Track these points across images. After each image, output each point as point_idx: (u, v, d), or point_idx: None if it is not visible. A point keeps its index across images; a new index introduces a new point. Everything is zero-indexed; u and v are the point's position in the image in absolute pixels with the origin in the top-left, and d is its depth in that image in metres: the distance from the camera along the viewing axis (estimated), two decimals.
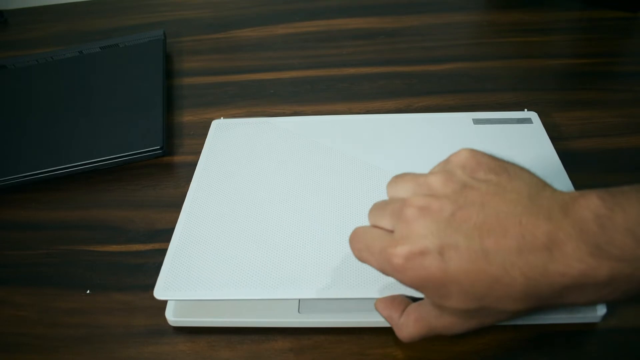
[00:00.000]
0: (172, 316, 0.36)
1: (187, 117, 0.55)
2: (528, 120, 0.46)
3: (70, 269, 0.41)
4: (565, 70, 0.58)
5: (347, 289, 0.34)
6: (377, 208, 0.30)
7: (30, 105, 0.56)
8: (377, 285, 0.33)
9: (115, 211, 0.46)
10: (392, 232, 0.28)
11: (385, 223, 0.28)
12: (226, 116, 0.54)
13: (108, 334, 0.37)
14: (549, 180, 0.27)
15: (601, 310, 0.34)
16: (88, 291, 0.40)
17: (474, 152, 0.28)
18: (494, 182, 0.26)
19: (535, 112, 0.47)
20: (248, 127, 0.48)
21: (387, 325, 0.35)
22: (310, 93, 0.57)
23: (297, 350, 0.35)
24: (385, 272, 0.27)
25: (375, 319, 0.35)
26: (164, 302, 0.37)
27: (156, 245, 0.42)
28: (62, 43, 0.70)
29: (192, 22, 0.71)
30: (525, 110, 0.48)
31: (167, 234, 0.43)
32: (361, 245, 0.29)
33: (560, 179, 0.40)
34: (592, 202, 0.23)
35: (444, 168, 0.28)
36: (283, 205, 0.40)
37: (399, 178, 0.30)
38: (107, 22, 0.74)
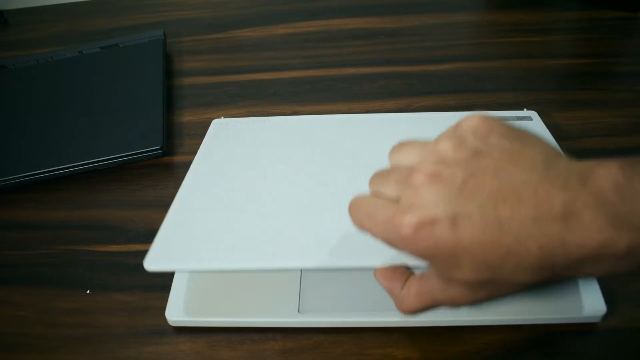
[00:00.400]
0: (172, 316, 0.36)
1: (187, 117, 0.55)
2: (528, 118, 0.46)
3: (70, 269, 0.41)
4: (565, 70, 0.58)
5: (348, 258, 0.32)
6: (379, 176, 0.28)
7: (30, 105, 0.56)
8: (379, 254, 0.31)
9: (115, 211, 0.46)
10: (395, 201, 0.26)
11: (389, 191, 0.27)
12: (226, 116, 0.54)
13: (108, 334, 0.37)
14: None
15: (601, 310, 0.34)
16: (88, 291, 0.40)
17: (486, 117, 0.26)
18: (507, 148, 0.25)
19: (536, 111, 0.47)
20: (248, 125, 0.49)
21: (387, 325, 0.35)
22: (310, 93, 0.57)
23: (297, 350, 0.35)
24: (390, 243, 0.26)
25: (375, 319, 0.35)
26: (164, 302, 0.37)
27: None
28: (62, 43, 0.70)
29: (192, 22, 0.71)
30: (525, 109, 0.48)
31: None
32: (362, 214, 0.27)
33: None
34: (611, 172, 0.22)
35: (454, 134, 0.26)
36: (282, 183, 0.40)
37: (403, 145, 0.28)
38: (107, 22, 0.74)
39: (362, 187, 0.40)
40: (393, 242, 0.26)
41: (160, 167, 0.50)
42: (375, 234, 0.27)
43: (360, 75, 0.59)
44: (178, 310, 0.36)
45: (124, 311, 0.38)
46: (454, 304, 0.27)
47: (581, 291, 0.35)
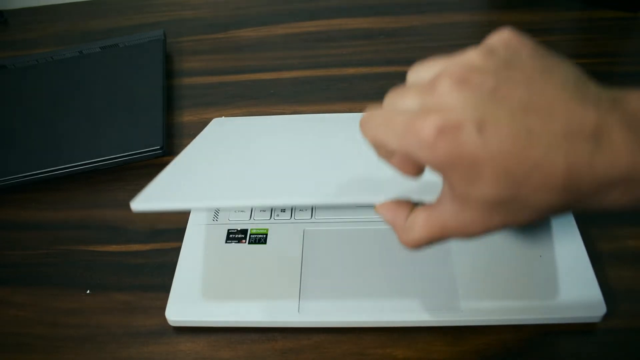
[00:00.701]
0: (172, 316, 0.36)
1: (187, 117, 0.55)
2: None
3: (70, 269, 0.41)
4: None
5: (348, 195, 0.31)
6: (396, 92, 0.26)
7: (30, 105, 0.56)
8: (380, 192, 0.29)
9: (115, 211, 0.46)
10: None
11: (408, 102, 0.24)
12: (226, 116, 0.54)
13: (108, 334, 0.37)
14: None
15: (601, 310, 0.34)
16: (88, 291, 0.40)
17: (517, 32, 0.25)
18: (539, 63, 0.23)
19: None
20: (249, 121, 0.49)
21: (387, 325, 0.35)
22: (310, 93, 0.57)
23: (297, 350, 0.35)
24: (406, 149, 0.24)
25: (375, 319, 0.35)
26: (164, 302, 0.37)
27: (156, 245, 0.42)
28: (62, 43, 0.70)
29: (192, 22, 0.71)
30: None
31: (167, 234, 0.43)
32: (376, 123, 0.25)
33: None
34: None
35: (484, 45, 0.25)
36: (280, 149, 0.39)
37: (424, 62, 0.26)
38: (107, 22, 0.74)
39: (364, 154, 0.37)
40: (410, 147, 0.23)
41: (161, 167, 0.49)
42: (390, 143, 0.24)
43: (360, 75, 0.59)
44: (178, 310, 0.36)
45: (124, 311, 0.38)
46: (465, 232, 0.25)
47: (581, 291, 0.35)
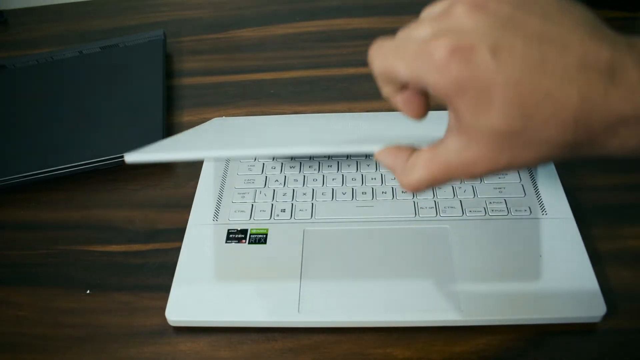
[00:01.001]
0: (172, 316, 0.36)
1: (187, 117, 0.55)
2: None
3: (70, 269, 0.41)
4: None
5: (347, 144, 0.31)
6: (410, 24, 0.25)
7: (30, 105, 0.56)
8: (379, 142, 0.29)
9: (115, 211, 0.46)
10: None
11: (422, 32, 0.23)
12: (226, 116, 0.54)
13: (108, 334, 0.37)
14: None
15: (601, 310, 0.34)
16: (88, 291, 0.40)
17: None
18: (556, 2, 0.23)
19: None
20: (248, 120, 0.49)
21: (387, 325, 0.35)
22: (310, 93, 0.57)
23: (297, 350, 0.35)
24: (417, 75, 0.23)
25: (375, 319, 0.35)
26: (164, 302, 0.37)
27: (156, 245, 0.42)
28: (62, 43, 0.70)
29: (192, 22, 0.71)
30: None
31: (167, 234, 0.43)
32: (387, 49, 0.24)
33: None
34: None
35: None
36: (279, 130, 0.40)
37: (437, 1, 0.25)
38: (107, 22, 0.74)
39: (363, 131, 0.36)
40: (422, 72, 0.23)
41: (160, 167, 0.50)
42: (399, 70, 0.24)
43: (360, 75, 0.59)
44: (178, 310, 0.36)
45: (124, 311, 0.38)
46: (468, 172, 0.24)
47: (581, 291, 0.35)
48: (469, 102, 0.22)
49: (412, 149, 0.26)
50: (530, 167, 0.24)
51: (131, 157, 0.31)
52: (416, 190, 0.26)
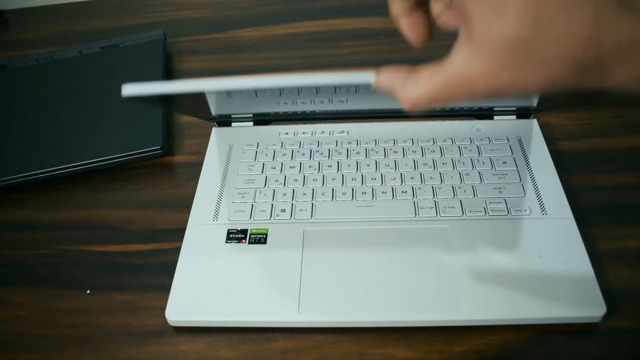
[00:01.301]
0: (172, 316, 0.36)
1: (187, 117, 0.55)
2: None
3: (70, 269, 0.41)
4: None
5: (342, 76, 0.30)
6: None
7: (30, 105, 0.56)
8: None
9: (115, 211, 0.46)
10: None
11: None
12: None
13: (108, 334, 0.37)
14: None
15: (601, 310, 0.34)
16: (88, 291, 0.40)
17: None
18: None
19: (535, 111, 0.47)
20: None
21: (387, 325, 0.35)
22: None
23: (297, 350, 0.35)
24: None
25: (375, 319, 0.35)
26: (164, 302, 0.37)
27: (156, 245, 0.42)
28: (62, 43, 0.70)
29: (192, 22, 0.71)
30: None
31: (167, 234, 0.43)
32: None
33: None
34: None
35: None
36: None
37: None
38: (107, 22, 0.74)
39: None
40: None
41: (160, 167, 0.50)
42: None
43: None
44: (178, 310, 0.36)
45: (124, 311, 0.38)
46: (469, 89, 0.24)
47: (581, 291, 0.35)
48: (483, 6, 0.22)
49: (412, 68, 0.26)
50: (530, 94, 0.23)
51: (128, 90, 0.31)
52: (416, 106, 0.25)
